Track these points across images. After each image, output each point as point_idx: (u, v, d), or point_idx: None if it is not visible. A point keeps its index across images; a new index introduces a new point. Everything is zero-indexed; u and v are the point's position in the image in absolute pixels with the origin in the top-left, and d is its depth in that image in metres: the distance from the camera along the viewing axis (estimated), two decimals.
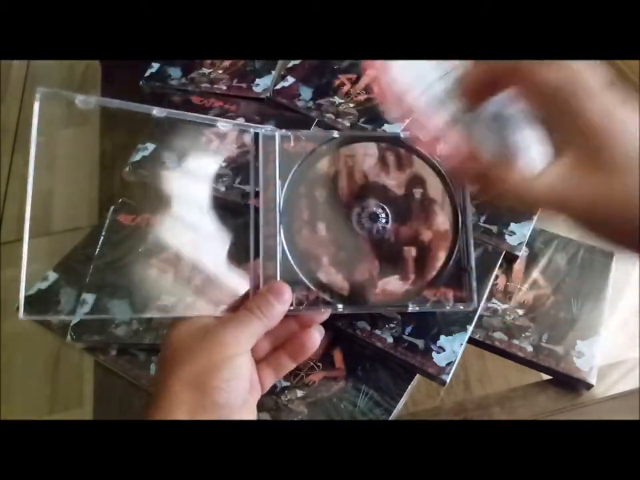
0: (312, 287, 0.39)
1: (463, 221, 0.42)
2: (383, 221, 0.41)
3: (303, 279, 0.39)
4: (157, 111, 0.37)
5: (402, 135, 0.43)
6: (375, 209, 0.42)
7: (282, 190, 0.40)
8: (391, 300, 0.40)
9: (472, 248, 0.41)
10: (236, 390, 0.32)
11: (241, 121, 0.61)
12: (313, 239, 0.40)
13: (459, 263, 0.41)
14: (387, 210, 0.42)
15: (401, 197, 0.42)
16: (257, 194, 0.40)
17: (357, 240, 0.41)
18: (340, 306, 0.39)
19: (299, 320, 0.38)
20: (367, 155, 0.43)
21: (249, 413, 0.35)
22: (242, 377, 0.33)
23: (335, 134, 0.43)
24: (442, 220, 0.42)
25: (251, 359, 0.34)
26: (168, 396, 0.31)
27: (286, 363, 0.38)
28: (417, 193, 0.43)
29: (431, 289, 0.41)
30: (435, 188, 0.43)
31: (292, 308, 0.38)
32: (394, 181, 0.43)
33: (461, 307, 0.41)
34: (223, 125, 0.41)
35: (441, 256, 0.41)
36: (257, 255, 0.38)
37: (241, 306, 0.35)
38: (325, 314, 0.39)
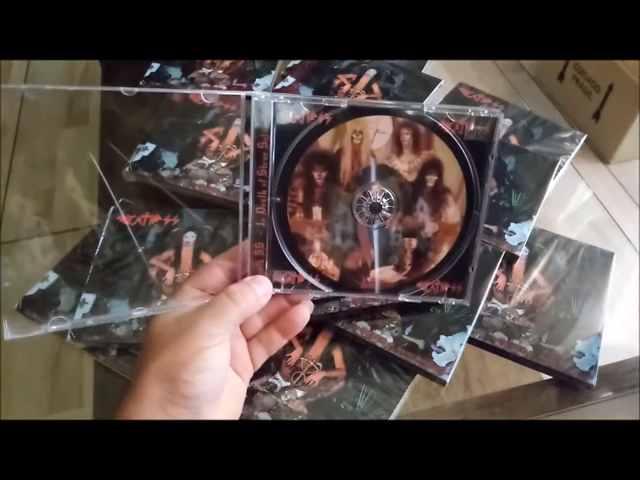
0: (300, 272, 0.38)
1: (477, 216, 0.38)
2: (386, 211, 0.39)
3: (292, 263, 0.38)
4: (124, 90, 0.34)
5: (426, 109, 0.37)
6: (378, 197, 0.38)
7: (275, 167, 0.37)
8: (382, 288, 0.40)
9: (479, 247, 0.39)
10: (206, 383, 0.32)
11: (239, 120, 0.61)
12: (306, 224, 0.38)
13: (462, 261, 0.39)
14: (392, 198, 0.38)
15: (410, 184, 0.38)
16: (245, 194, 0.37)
17: (355, 228, 0.39)
18: (328, 290, 0.39)
19: (288, 297, 0.38)
20: (378, 131, 0.37)
21: (230, 402, 0.35)
22: (213, 369, 0.32)
23: (343, 103, 0.36)
24: (453, 213, 0.38)
25: (228, 350, 0.33)
26: (139, 388, 0.31)
27: (277, 339, 0.38)
28: (431, 180, 0.38)
29: (426, 281, 0.40)
30: (452, 176, 0.38)
31: (279, 290, 0.38)
32: (406, 165, 0.38)
33: (454, 302, 0.40)
34: (205, 93, 0.38)
35: (444, 250, 0.39)
36: (246, 235, 0.37)
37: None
38: (313, 294, 0.39)
